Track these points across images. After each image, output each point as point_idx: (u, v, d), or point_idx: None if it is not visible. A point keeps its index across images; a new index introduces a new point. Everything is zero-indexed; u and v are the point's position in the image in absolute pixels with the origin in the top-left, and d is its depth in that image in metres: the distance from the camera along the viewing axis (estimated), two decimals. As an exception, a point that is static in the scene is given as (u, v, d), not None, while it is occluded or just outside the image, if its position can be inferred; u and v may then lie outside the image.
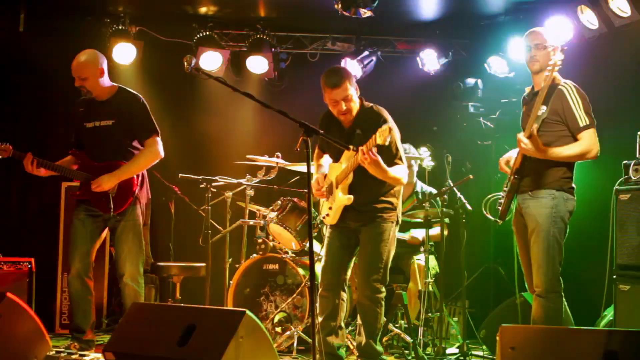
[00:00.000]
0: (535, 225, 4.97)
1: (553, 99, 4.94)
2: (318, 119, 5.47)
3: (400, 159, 5.19)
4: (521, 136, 4.91)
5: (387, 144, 4.78)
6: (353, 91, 5.17)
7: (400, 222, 5.38)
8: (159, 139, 5.74)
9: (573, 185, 5.05)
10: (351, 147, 4.91)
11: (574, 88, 4.96)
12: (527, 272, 5.18)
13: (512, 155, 5.23)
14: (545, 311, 4.92)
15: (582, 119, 4.87)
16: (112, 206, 5.61)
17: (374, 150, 4.84)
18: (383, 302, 5.24)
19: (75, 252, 5.68)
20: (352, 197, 5.17)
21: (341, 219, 5.29)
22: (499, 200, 5.22)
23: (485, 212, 5.40)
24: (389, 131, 4.73)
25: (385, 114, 5.22)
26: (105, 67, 5.72)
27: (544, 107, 4.94)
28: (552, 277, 4.90)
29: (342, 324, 5.35)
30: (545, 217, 4.93)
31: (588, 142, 4.87)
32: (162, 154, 5.75)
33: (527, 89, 5.26)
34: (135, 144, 5.74)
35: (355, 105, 5.22)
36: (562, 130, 4.95)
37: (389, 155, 5.10)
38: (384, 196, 5.26)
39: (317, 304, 5.37)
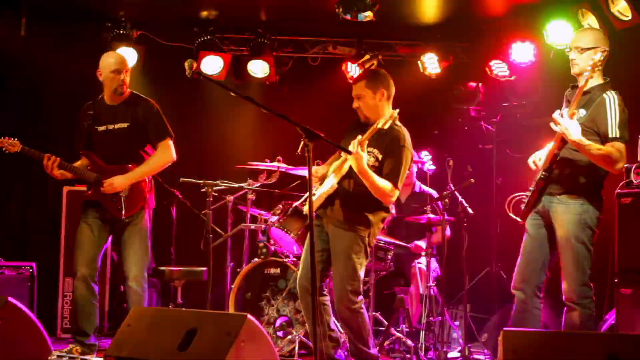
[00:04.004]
0: (564, 232, 4.91)
1: (594, 106, 4.87)
2: (320, 123, 5.47)
3: (395, 180, 5.07)
4: (556, 115, 4.74)
5: (386, 127, 4.88)
6: (367, 94, 5.19)
7: (372, 245, 5.28)
8: (171, 142, 5.78)
9: (601, 193, 4.98)
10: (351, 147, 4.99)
11: (617, 99, 4.86)
12: (520, 270, 5.09)
13: (541, 154, 5.13)
14: (581, 317, 4.85)
15: (614, 130, 4.78)
16: (123, 208, 5.62)
17: (365, 145, 4.93)
18: (362, 310, 5.18)
19: (81, 256, 5.67)
20: (335, 185, 5.12)
21: (320, 216, 5.25)
22: (524, 200, 5.13)
23: (508, 211, 5.35)
24: (392, 116, 4.90)
25: (406, 134, 5.22)
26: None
27: (583, 111, 4.88)
28: (582, 283, 4.87)
29: (332, 326, 5.30)
30: (574, 223, 4.88)
31: (616, 153, 4.74)
32: (174, 157, 5.79)
33: (569, 90, 5.14)
34: (147, 148, 5.78)
35: (371, 109, 5.21)
36: (594, 140, 4.82)
37: (388, 168, 5.08)
38: (366, 211, 5.17)
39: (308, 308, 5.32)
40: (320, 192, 5.19)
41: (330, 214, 5.23)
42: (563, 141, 4.88)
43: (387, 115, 4.99)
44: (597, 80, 4.97)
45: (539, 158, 5.13)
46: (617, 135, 4.77)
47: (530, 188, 5.10)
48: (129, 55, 7.57)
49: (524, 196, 5.14)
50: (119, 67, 5.70)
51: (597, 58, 4.86)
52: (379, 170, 5.10)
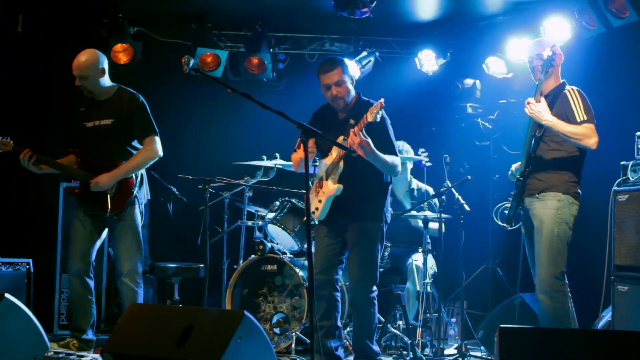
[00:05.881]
0: (539, 224, 5.09)
1: (557, 105, 5.13)
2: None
3: (394, 151, 5.20)
4: (532, 99, 5.10)
5: (378, 119, 4.85)
6: (346, 79, 5.23)
7: (389, 221, 5.38)
8: (157, 138, 5.74)
9: (579, 190, 5.17)
10: (342, 137, 5.05)
11: (577, 91, 5.15)
12: (536, 273, 5.26)
13: (518, 164, 5.35)
14: (551, 311, 5.01)
15: (580, 115, 5.05)
16: (109, 206, 5.62)
17: (364, 132, 4.92)
18: (376, 302, 5.24)
19: (75, 251, 5.69)
20: (341, 185, 5.15)
21: (330, 216, 5.28)
22: (507, 206, 5.33)
23: (495, 219, 5.50)
24: (380, 106, 4.81)
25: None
26: (106, 66, 5.73)
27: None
28: (555, 276, 5.02)
29: (339, 323, 5.34)
30: (550, 217, 5.06)
31: (588, 130, 5.01)
32: (160, 152, 5.75)
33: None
34: (135, 143, 5.76)
35: (349, 94, 5.26)
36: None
37: (382, 145, 5.12)
38: (372, 194, 5.26)
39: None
40: (326, 196, 5.21)
41: (341, 209, 5.24)
42: (537, 142, 5.15)
43: (376, 106, 4.88)
44: (554, 82, 5.26)
45: (515, 168, 5.36)
46: (585, 118, 5.06)
47: (512, 192, 5.30)
48: (125, 51, 7.57)
49: (507, 204, 5.30)
50: (76, 73, 5.66)
51: (558, 63, 5.23)
52: None
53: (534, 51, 5.30)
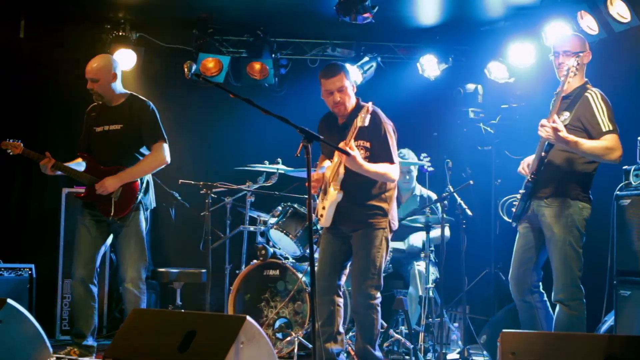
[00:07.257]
0: (551, 234, 5.04)
1: (578, 106, 5.00)
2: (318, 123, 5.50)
3: (390, 157, 5.16)
4: (545, 121, 4.88)
5: (366, 124, 4.83)
6: (348, 85, 5.22)
7: (394, 228, 5.35)
8: (165, 145, 5.77)
9: (589, 194, 5.10)
10: (343, 143, 4.99)
11: (599, 95, 5.01)
12: (514, 273, 5.27)
13: (530, 159, 5.25)
14: (568, 319, 4.98)
15: (605, 124, 4.92)
16: (112, 210, 5.63)
17: (353, 144, 4.92)
18: (379, 308, 5.22)
19: (79, 257, 5.70)
20: (342, 192, 5.13)
21: (334, 223, 5.27)
22: (514, 203, 5.26)
23: (501, 214, 5.46)
24: (367, 110, 4.81)
25: (378, 110, 5.23)
26: (118, 72, 5.77)
27: (567, 114, 5.00)
28: (571, 284, 4.99)
29: (341, 329, 5.33)
30: (561, 226, 5.00)
31: (612, 143, 4.89)
32: (167, 159, 5.78)
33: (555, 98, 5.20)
34: (143, 150, 5.79)
35: (350, 100, 5.25)
36: (581, 137, 4.95)
37: (379, 151, 5.12)
38: (375, 201, 5.23)
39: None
40: (329, 202, 5.19)
41: (345, 217, 5.23)
42: (550, 144, 4.99)
43: (363, 111, 4.89)
44: (578, 82, 5.10)
45: (527, 164, 5.25)
46: (610, 129, 4.91)
47: (521, 191, 5.20)
48: (128, 57, 7.59)
49: (515, 199, 5.23)
50: (89, 77, 5.71)
51: (585, 62, 5.07)
52: (373, 155, 5.13)
53: (560, 47, 5.13)
